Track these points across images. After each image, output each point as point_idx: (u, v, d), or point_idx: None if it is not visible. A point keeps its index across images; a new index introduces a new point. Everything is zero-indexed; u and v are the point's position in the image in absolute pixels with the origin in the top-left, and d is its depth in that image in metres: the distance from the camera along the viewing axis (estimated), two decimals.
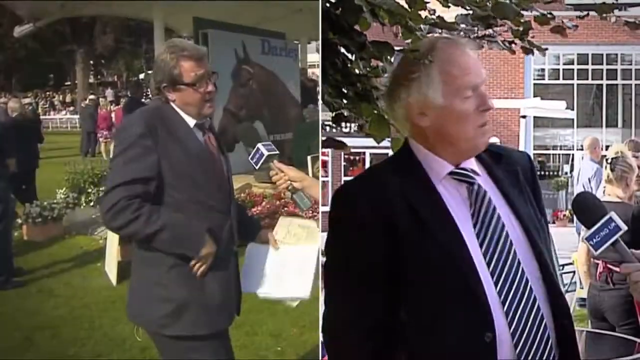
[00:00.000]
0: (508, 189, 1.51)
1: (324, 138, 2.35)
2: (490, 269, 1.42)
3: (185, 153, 2.21)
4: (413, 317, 1.41)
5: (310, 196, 2.29)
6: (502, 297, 1.40)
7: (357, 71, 1.92)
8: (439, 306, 1.40)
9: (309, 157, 8.16)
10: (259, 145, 2.36)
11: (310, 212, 7.18)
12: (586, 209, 1.54)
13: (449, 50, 1.48)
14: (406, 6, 1.70)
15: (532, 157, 1.71)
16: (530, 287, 1.43)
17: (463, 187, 1.47)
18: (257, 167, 2.39)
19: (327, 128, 2.20)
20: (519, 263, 1.43)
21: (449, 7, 1.77)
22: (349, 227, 1.46)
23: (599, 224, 1.49)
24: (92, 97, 16.87)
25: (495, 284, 1.41)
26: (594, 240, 1.50)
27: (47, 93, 25.06)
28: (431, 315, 1.40)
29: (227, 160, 2.46)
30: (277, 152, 2.38)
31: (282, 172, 2.30)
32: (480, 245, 1.43)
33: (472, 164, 1.51)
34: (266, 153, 2.33)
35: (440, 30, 1.94)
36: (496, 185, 1.51)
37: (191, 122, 2.30)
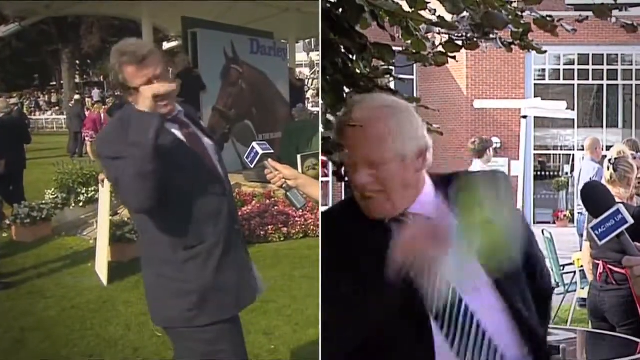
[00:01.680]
0: None
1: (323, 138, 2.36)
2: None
3: (160, 148, 2.18)
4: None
5: (304, 194, 2.31)
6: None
7: (357, 71, 1.93)
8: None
9: (298, 156, 8.18)
10: (254, 144, 2.37)
11: (303, 210, 7.23)
12: (595, 198, 1.56)
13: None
14: (406, 6, 1.71)
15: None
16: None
17: None
18: (252, 166, 2.40)
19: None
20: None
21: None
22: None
23: (606, 215, 1.50)
24: (77, 97, 16.77)
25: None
26: (599, 230, 1.51)
27: (33, 93, 24.84)
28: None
29: (215, 145, 2.47)
30: (272, 151, 2.40)
31: (276, 170, 2.31)
32: None
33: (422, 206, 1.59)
34: (261, 152, 2.34)
35: (438, 30, 1.96)
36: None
37: None
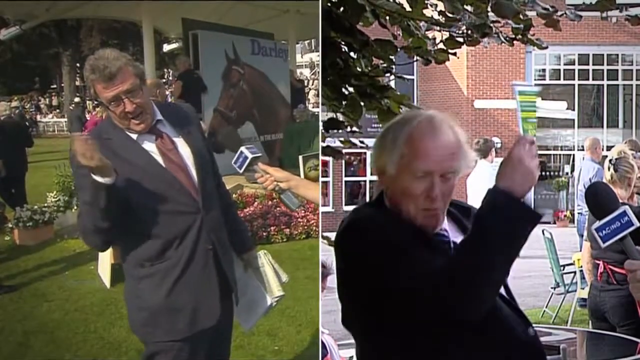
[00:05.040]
0: None
1: (323, 144, 2.35)
2: None
3: (130, 166, 2.16)
4: None
5: (298, 195, 2.28)
6: None
7: (358, 69, 1.93)
8: None
9: (300, 157, 8.18)
10: (242, 148, 2.32)
11: (300, 211, 7.20)
12: (600, 200, 1.53)
13: (420, 130, 1.52)
14: (407, 6, 1.71)
15: None
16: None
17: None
18: (241, 171, 2.35)
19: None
20: None
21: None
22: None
23: (611, 216, 1.47)
24: (77, 99, 16.76)
25: None
26: (603, 232, 1.48)
27: (33, 96, 24.85)
28: None
29: (204, 152, 2.39)
30: (260, 154, 2.35)
31: (267, 173, 2.28)
32: None
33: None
34: (250, 156, 2.30)
35: (438, 28, 1.96)
36: None
37: (134, 134, 2.25)
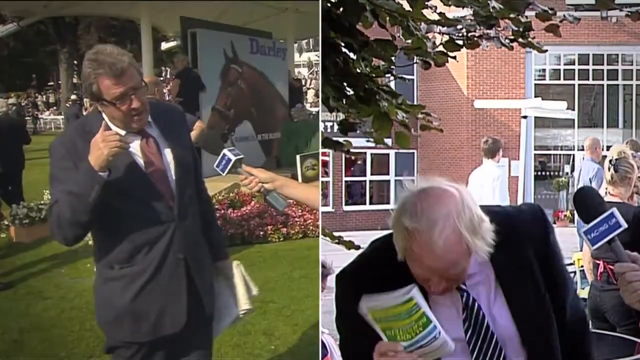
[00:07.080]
0: (510, 278, 1.57)
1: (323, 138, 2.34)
2: None
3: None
4: None
5: (284, 196, 2.25)
6: None
7: (358, 70, 1.93)
8: None
9: (297, 156, 8.18)
10: (225, 151, 2.28)
11: (297, 210, 7.12)
12: (587, 204, 1.52)
13: (418, 237, 1.45)
14: (407, 6, 1.70)
15: (541, 211, 1.69)
16: None
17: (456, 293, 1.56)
18: (224, 174, 2.30)
19: (328, 128, 2.20)
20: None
21: (449, 5, 1.79)
22: None
23: (599, 218, 1.46)
24: (74, 97, 16.73)
25: None
26: (592, 234, 1.47)
27: (30, 93, 24.81)
28: None
29: (189, 158, 2.37)
30: (243, 156, 2.31)
31: (251, 175, 2.24)
32: (468, 343, 1.56)
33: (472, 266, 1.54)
34: (233, 158, 2.26)
35: (439, 30, 1.95)
36: (497, 276, 1.57)
37: (121, 131, 2.19)
